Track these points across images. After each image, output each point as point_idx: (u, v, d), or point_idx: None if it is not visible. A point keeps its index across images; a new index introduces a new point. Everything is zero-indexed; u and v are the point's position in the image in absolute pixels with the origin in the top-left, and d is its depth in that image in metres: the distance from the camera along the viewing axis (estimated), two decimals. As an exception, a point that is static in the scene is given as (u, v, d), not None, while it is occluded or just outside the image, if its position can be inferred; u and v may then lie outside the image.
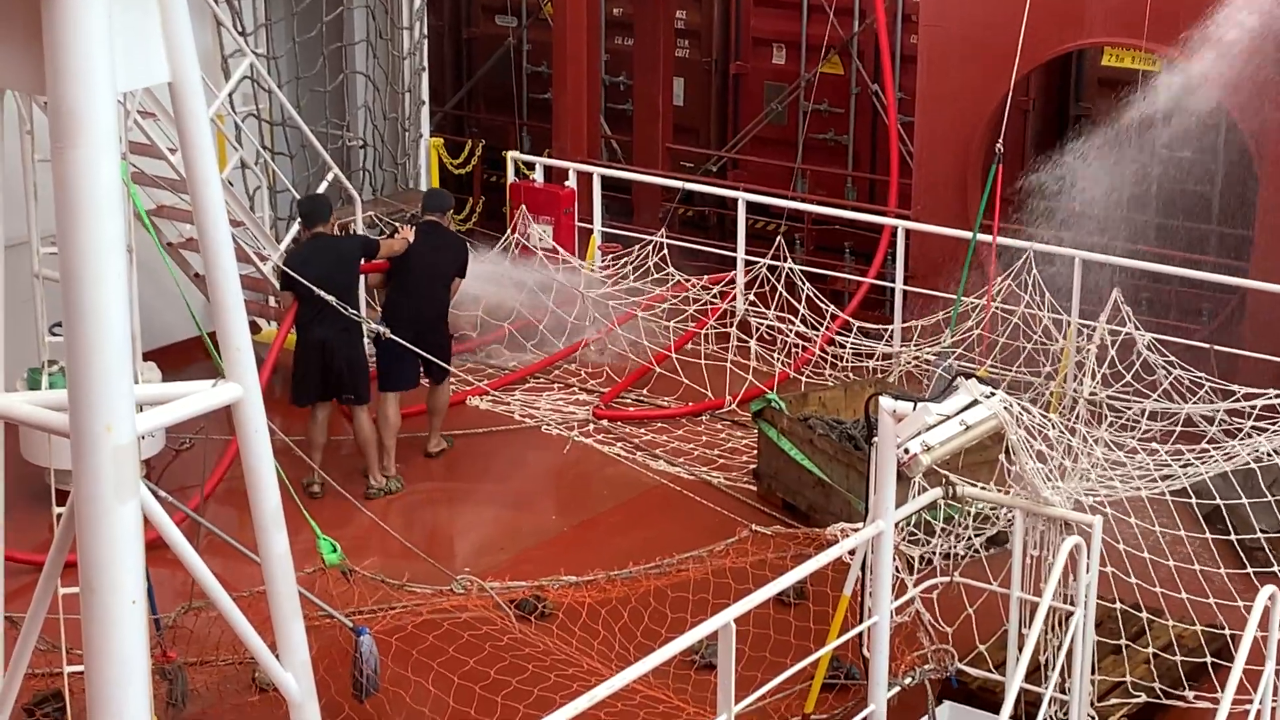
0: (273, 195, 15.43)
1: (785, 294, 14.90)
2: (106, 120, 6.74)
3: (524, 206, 16.54)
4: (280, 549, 8.71)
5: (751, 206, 16.15)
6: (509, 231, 16.36)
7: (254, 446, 8.39)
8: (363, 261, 12.93)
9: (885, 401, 8.90)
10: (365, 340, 12.86)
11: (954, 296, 14.42)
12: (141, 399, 7.79)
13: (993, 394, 8.94)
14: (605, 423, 14.01)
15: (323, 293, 12.20)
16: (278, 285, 13.61)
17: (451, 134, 20.33)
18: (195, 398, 8.07)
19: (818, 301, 14.96)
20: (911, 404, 8.82)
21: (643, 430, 13.92)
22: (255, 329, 14.21)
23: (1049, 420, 9.20)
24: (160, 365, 12.97)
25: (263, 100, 15.40)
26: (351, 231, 14.79)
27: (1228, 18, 13.01)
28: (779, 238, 15.48)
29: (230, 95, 14.56)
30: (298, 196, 14.91)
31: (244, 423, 8.29)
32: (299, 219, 13.40)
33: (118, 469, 6.96)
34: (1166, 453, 10.62)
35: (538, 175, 17.04)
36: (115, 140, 6.77)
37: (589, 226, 16.71)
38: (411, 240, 13.08)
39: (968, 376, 9.06)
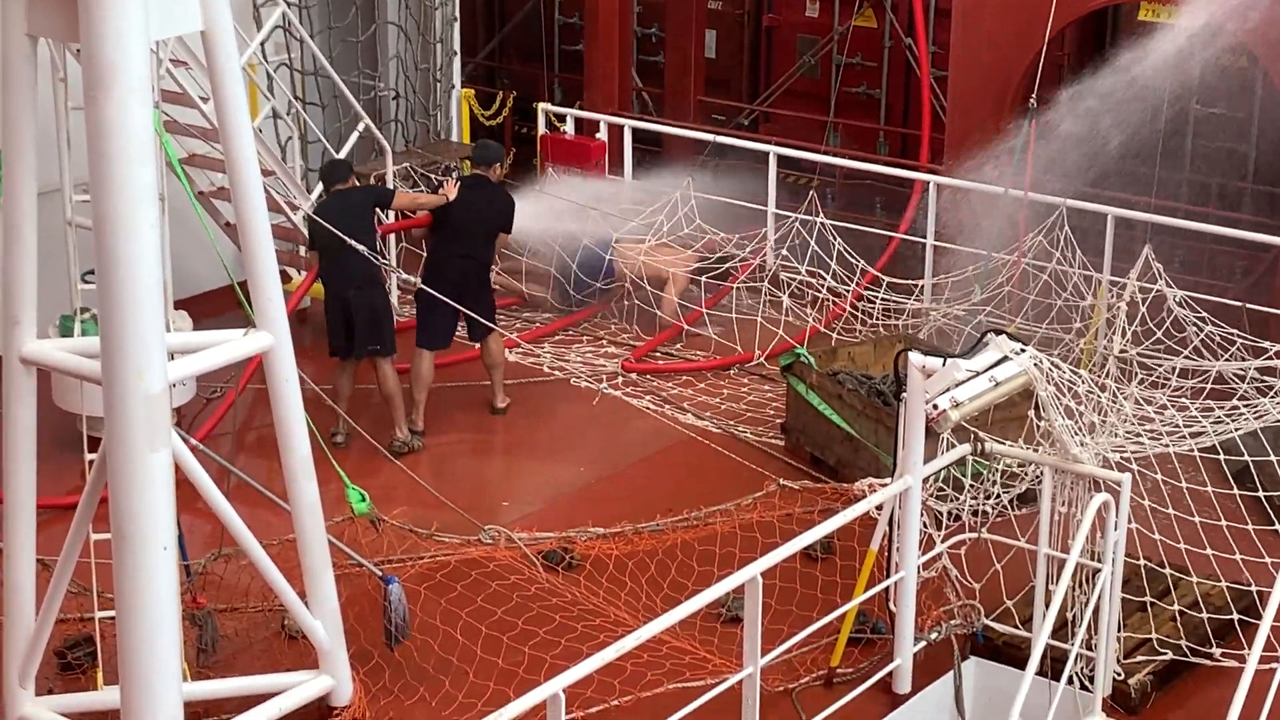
0: (304, 145, 15.44)
1: (817, 249, 14.85)
2: (139, 69, 6.77)
3: (551, 165, 16.51)
4: (310, 498, 8.81)
5: (783, 160, 16.08)
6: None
7: (284, 396, 8.48)
8: (376, 211, 12.87)
9: (914, 357, 8.92)
10: (391, 291, 12.88)
11: (982, 252, 14.38)
12: (173, 347, 7.86)
13: (1022, 350, 8.94)
14: (634, 376, 14.02)
15: (347, 239, 12.13)
16: (306, 235, 13.67)
17: (483, 85, 20.26)
18: (226, 346, 8.15)
19: (848, 256, 14.91)
20: (941, 360, 8.83)
21: (671, 384, 13.93)
22: (286, 279, 14.23)
23: (1079, 376, 9.19)
24: (192, 314, 13.04)
25: (294, 50, 15.39)
26: (382, 183, 14.80)
27: None
28: (811, 192, 15.42)
29: (262, 44, 14.57)
30: (329, 147, 14.94)
31: (274, 371, 8.36)
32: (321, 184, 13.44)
33: (149, 416, 7.03)
34: (1196, 410, 10.59)
35: (569, 127, 17.00)
36: (148, 88, 6.81)
37: (620, 179, 16.67)
38: (452, 195, 13.06)
39: (998, 333, 9.05)
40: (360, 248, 11.98)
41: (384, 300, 12.82)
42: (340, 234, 11.99)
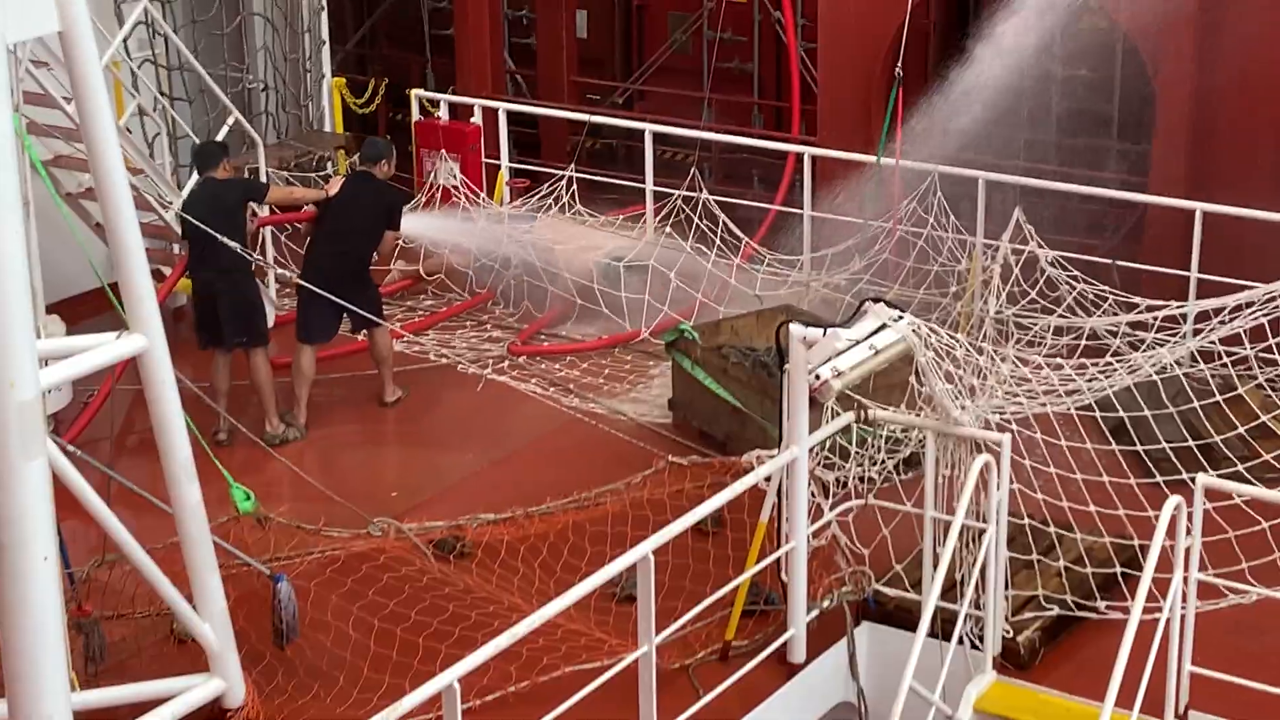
0: (172, 141, 15.24)
1: (701, 224, 14.87)
2: (-5, 72, 6.64)
3: (426, 149, 16.43)
4: (193, 499, 8.70)
5: (659, 137, 16.11)
6: (430, 173, 16.23)
7: (162, 398, 8.36)
8: (247, 204, 12.75)
9: (795, 329, 8.98)
10: (269, 284, 12.78)
11: (859, 220, 14.50)
12: (45, 353, 7.72)
13: (901, 317, 9.04)
14: (521, 360, 13.99)
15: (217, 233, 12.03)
16: (178, 231, 13.52)
17: (354, 73, 20.12)
18: (100, 350, 8.02)
19: (730, 231, 14.95)
20: (822, 330, 8.90)
21: (558, 366, 13.91)
22: (159, 277, 14.05)
23: (956, 340, 9.30)
24: (65, 318, 12.83)
25: (159, 45, 15.17)
26: (256, 175, 14.66)
27: None
28: (693, 169, 15.45)
29: (125, 41, 14.34)
30: (198, 142, 14.74)
31: (150, 373, 8.25)
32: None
33: (22, 425, 6.91)
34: (1072, 368, 10.76)
35: (443, 112, 16.92)
36: (8, 92, 6.68)
37: (496, 163, 16.62)
38: (333, 191, 13.00)
39: (876, 300, 9.14)
40: (231, 243, 11.89)
41: (254, 292, 12.68)
42: (206, 226, 11.91)
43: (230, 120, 14.73)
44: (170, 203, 13.99)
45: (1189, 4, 13.44)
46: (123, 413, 12.57)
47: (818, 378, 8.71)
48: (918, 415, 9.63)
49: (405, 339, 14.07)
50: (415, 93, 17.17)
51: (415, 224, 14.90)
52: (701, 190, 15.00)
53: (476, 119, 16.71)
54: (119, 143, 12.69)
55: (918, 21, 14.61)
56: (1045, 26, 14.25)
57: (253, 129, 15.18)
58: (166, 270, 14.42)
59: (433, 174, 16.28)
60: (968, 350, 9.42)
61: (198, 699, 8.76)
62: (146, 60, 15.04)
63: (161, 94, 15.16)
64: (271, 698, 9.25)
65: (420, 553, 10.55)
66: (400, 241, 14.01)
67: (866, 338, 8.90)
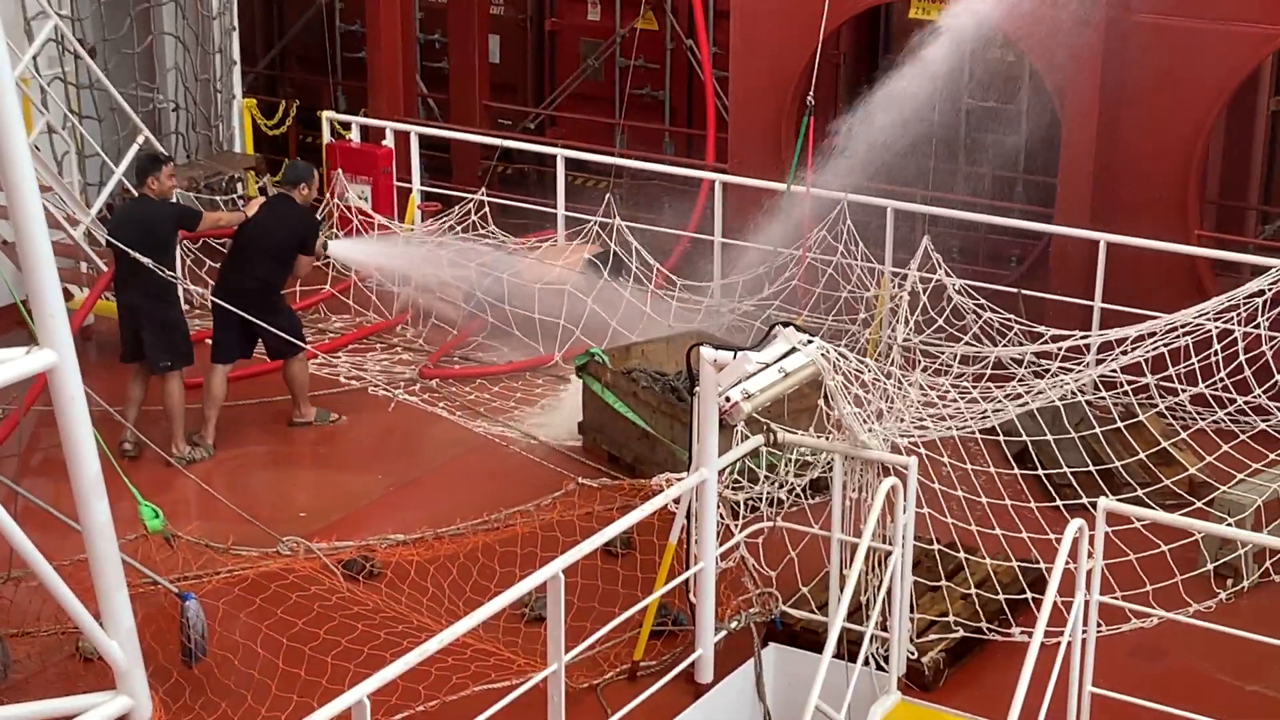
0: (81, 160, 15.14)
1: (617, 249, 14.93)
2: (-93, 85, 6.59)
3: (340, 169, 16.42)
4: (101, 517, 8.61)
5: (571, 163, 16.19)
6: (327, 196, 16.22)
7: (70, 414, 8.28)
8: (179, 229, 12.74)
9: (706, 351, 9.06)
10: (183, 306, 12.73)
11: (770, 248, 14.64)
12: (-48, 368, 7.64)
13: (810, 341, 9.14)
14: (432, 382, 14.00)
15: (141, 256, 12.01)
16: (88, 250, 13.47)
17: (265, 95, 20.06)
18: (7, 365, 7.95)
19: (645, 256, 15.03)
20: (732, 353, 8.99)
21: (469, 389, 13.93)
22: (68, 296, 13.95)
23: (865, 365, 9.43)
24: (-25, 335, 12.71)
25: (69, 63, 15.06)
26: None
27: None
28: (609, 195, 15.53)
29: (35, 58, 14.25)
30: (108, 160, 14.68)
31: (59, 389, 8.17)
32: None
33: (-70, 439, 6.85)
34: (978, 394, 10.93)
35: (354, 135, 16.91)
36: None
37: (407, 186, 16.63)
38: (251, 213, 12.98)
39: (786, 325, 9.25)
40: (163, 267, 11.93)
41: (177, 313, 12.63)
42: (137, 249, 11.93)
43: (140, 139, 14.66)
44: (79, 220, 13.90)
45: (1094, 39, 13.71)
46: (30, 429, 12.45)
47: (728, 400, 8.79)
48: (826, 439, 9.74)
49: (317, 359, 14.03)
50: (326, 115, 17.15)
51: (354, 250, 14.86)
52: (615, 216, 15.08)
53: (388, 142, 16.71)
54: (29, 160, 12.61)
55: (828, 52, 14.82)
56: (954, 58, 14.47)
57: (162, 148, 15.09)
58: (75, 289, 14.34)
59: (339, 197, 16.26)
60: (876, 375, 9.55)
61: (104, 716, 8.67)
62: (56, 78, 14.93)
63: (71, 112, 15.05)
64: (179, 716, 9.20)
65: (329, 572, 10.53)
66: (317, 265, 13.94)
67: (776, 361, 8.99)
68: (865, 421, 9.30)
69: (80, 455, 8.42)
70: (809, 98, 13.88)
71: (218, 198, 16.02)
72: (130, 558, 9.33)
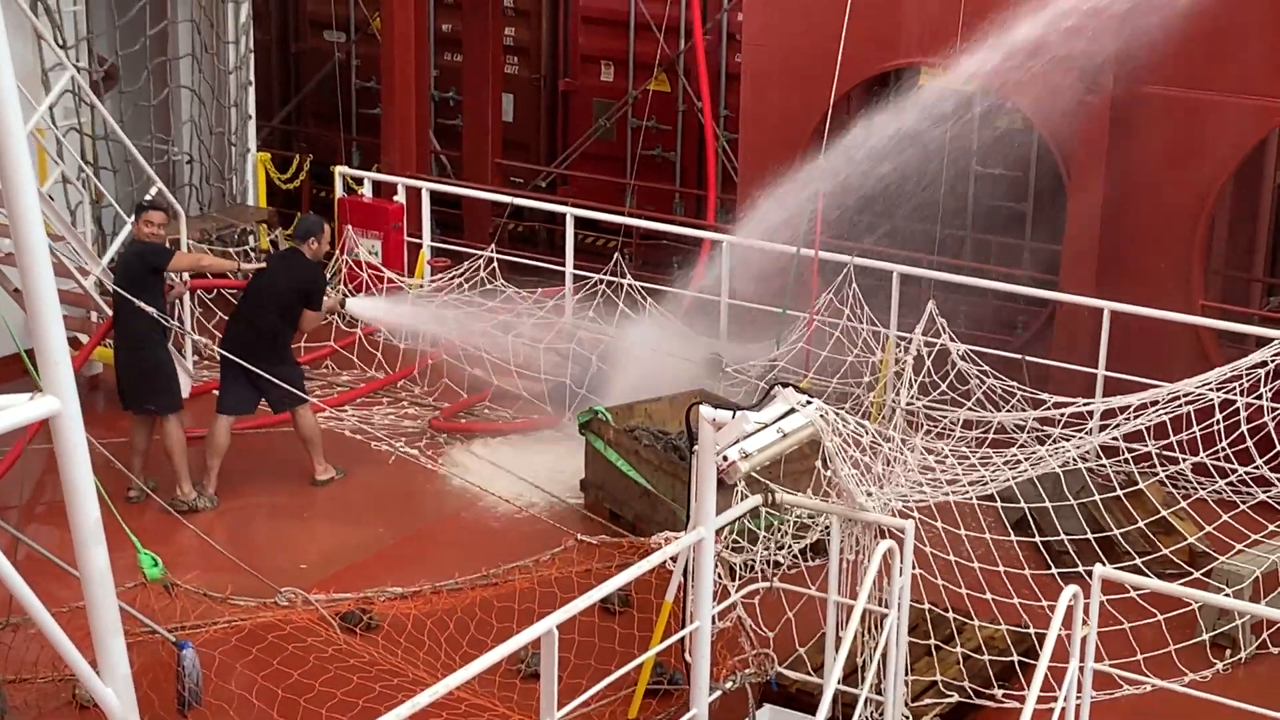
0: (97, 210, 15.27)
1: (625, 308, 15.01)
2: (-84, 132, 6.69)
3: (351, 224, 16.54)
4: (100, 564, 8.65)
5: (580, 222, 16.29)
6: (338, 251, 16.33)
7: (72, 461, 8.33)
8: (152, 270, 12.63)
9: (705, 410, 9.09)
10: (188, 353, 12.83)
11: (775, 309, 14.68)
12: (-45, 413, 7.70)
13: (809, 402, 9.18)
14: (439, 436, 14.06)
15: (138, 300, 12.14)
16: (98, 300, 13.58)
17: (280, 149, 20.23)
18: (10, 411, 8.01)
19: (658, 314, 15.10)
20: (730, 412, 9.03)
21: (475, 443, 13.98)
22: (77, 345, 14.05)
23: (864, 427, 9.46)
24: (-19, 382, 12.81)
25: (85, 114, 15.21)
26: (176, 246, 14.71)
27: (1029, 37, 13.43)
28: (616, 254, 15.62)
29: (51, 109, 14.39)
30: (120, 211, 14.80)
31: (62, 436, 8.22)
32: None
33: (-70, 483, 6.92)
34: (979, 459, 10.95)
35: (366, 190, 17.05)
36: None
37: (418, 241, 16.74)
38: (245, 264, 13.11)
39: (785, 386, 9.29)
40: (147, 307, 11.99)
41: (155, 358, 12.65)
42: (121, 291, 12.03)
43: (153, 190, 14.77)
44: (90, 270, 14.00)
45: (1101, 108, 13.81)
46: (36, 477, 12.52)
47: (725, 459, 8.82)
48: (824, 500, 9.76)
49: (325, 413, 14.10)
50: (339, 170, 17.28)
51: (372, 307, 14.94)
52: (625, 275, 15.15)
53: (400, 198, 16.84)
54: (40, 209, 12.73)
55: (838, 116, 14.91)
56: (963, 125, 14.58)
57: (176, 200, 15.22)
58: (83, 338, 14.42)
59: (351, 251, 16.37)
60: (874, 437, 9.58)
61: (97, 765, 8.71)
62: (72, 129, 15.07)
63: (86, 162, 15.19)
64: (172, 765, 9.24)
65: (327, 624, 10.56)
66: (328, 320, 14.02)
67: (775, 421, 9.02)
68: (863, 484, 9.33)
69: (80, 502, 8.47)
70: (820, 160, 13.98)
71: (231, 250, 16.14)
72: (128, 605, 9.37)
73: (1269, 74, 13.33)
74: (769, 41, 15.40)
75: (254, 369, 12.48)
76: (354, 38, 20.90)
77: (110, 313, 13.10)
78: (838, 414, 9.15)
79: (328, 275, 15.85)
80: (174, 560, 10.61)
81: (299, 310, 12.99)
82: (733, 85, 17.89)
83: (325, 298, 13.22)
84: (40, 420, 8.36)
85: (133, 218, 13.09)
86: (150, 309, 12.23)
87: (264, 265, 13.40)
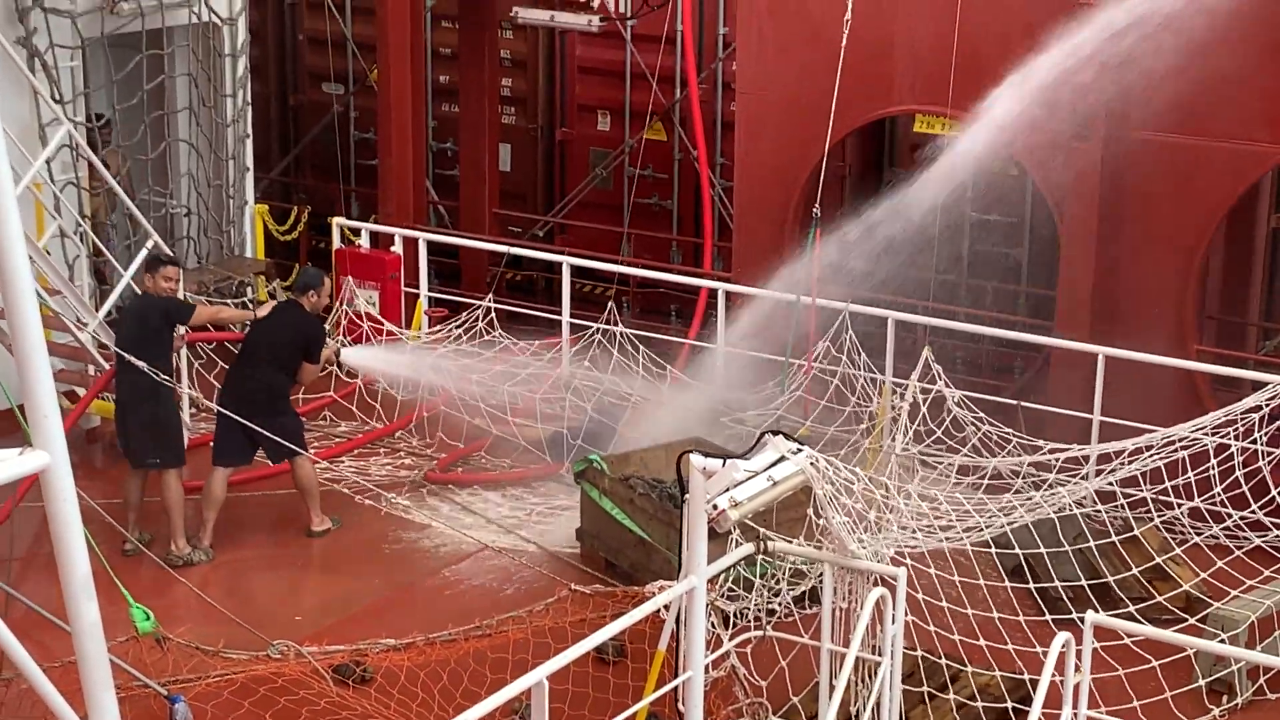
0: (93, 264, 15.32)
1: (620, 358, 15.01)
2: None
3: (349, 275, 16.58)
4: (90, 618, 8.63)
5: (577, 270, 16.33)
6: (337, 302, 16.37)
7: (62, 515, 8.31)
8: (172, 324, 12.80)
9: (695, 459, 9.09)
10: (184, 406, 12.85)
11: (773, 357, 14.70)
12: (-56, 468, 7.71)
13: (799, 450, 9.18)
14: (434, 486, 14.07)
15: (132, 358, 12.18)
16: (95, 354, 13.62)
17: (279, 200, 20.31)
18: (1, 466, 8.03)
19: (650, 364, 15.10)
20: (721, 461, 9.03)
21: (470, 493, 13.99)
22: (73, 398, 14.09)
23: (855, 474, 9.46)
24: (-26, 436, 12.79)
25: (82, 168, 15.28)
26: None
27: (1023, 83, 13.48)
28: (610, 302, 15.66)
29: (48, 163, 14.47)
30: (118, 266, 14.86)
31: (52, 491, 8.22)
32: None
33: (-83, 539, 6.93)
34: (974, 506, 10.94)
35: (364, 241, 17.11)
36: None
37: (415, 291, 16.79)
38: (261, 314, 13.14)
39: (775, 433, 9.30)
40: (140, 363, 12.01)
41: (166, 413, 12.70)
42: (131, 343, 12.09)
43: (150, 243, 14.82)
44: (87, 324, 14.04)
45: (1093, 154, 13.85)
46: (33, 530, 12.53)
47: (715, 507, 8.82)
48: (817, 548, 9.75)
49: (320, 465, 14.11)
50: (337, 221, 17.36)
51: (367, 357, 14.95)
52: (619, 324, 15.18)
53: (397, 248, 16.90)
54: (37, 263, 12.80)
55: (833, 163, 14.99)
56: (957, 171, 14.62)
57: (173, 253, 15.27)
58: (82, 392, 14.45)
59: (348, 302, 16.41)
60: (867, 485, 9.58)
61: (88, 820, 8.67)
62: (69, 183, 15.14)
63: (83, 216, 15.26)
64: (164, 820, 9.21)
65: (320, 677, 10.54)
66: (324, 371, 14.03)
67: (765, 469, 9.03)
68: (855, 531, 9.32)
69: (71, 556, 8.44)
70: (815, 208, 14.03)
71: (228, 301, 16.19)
72: (120, 659, 9.36)
73: (1261, 119, 13.38)
74: (762, 90, 15.48)
75: (250, 424, 12.49)
76: (352, 90, 21.01)
77: (108, 366, 13.13)
78: (829, 461, 9.16)
79: (327, 326, 15.93)
80: (168, 613, 10.61)
81: (297, 363, 13.03)
82: (728, 133, 17.97)
83: (323, 348, 13.29)
84: (32, 475, 8.38)
85: (142, 270, 13.10)
86: (147, 366, 12.24)
87: (274, 307, 13.41)
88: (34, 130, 14.65)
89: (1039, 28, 13.42)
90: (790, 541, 10.03)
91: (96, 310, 14.34)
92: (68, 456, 8.19)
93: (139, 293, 13.44)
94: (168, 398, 12.70)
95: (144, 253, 14.91)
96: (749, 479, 9.01)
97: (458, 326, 15.70)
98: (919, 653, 10.31)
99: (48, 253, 14.37)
